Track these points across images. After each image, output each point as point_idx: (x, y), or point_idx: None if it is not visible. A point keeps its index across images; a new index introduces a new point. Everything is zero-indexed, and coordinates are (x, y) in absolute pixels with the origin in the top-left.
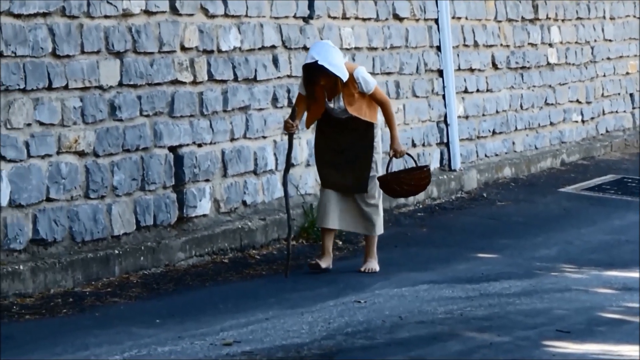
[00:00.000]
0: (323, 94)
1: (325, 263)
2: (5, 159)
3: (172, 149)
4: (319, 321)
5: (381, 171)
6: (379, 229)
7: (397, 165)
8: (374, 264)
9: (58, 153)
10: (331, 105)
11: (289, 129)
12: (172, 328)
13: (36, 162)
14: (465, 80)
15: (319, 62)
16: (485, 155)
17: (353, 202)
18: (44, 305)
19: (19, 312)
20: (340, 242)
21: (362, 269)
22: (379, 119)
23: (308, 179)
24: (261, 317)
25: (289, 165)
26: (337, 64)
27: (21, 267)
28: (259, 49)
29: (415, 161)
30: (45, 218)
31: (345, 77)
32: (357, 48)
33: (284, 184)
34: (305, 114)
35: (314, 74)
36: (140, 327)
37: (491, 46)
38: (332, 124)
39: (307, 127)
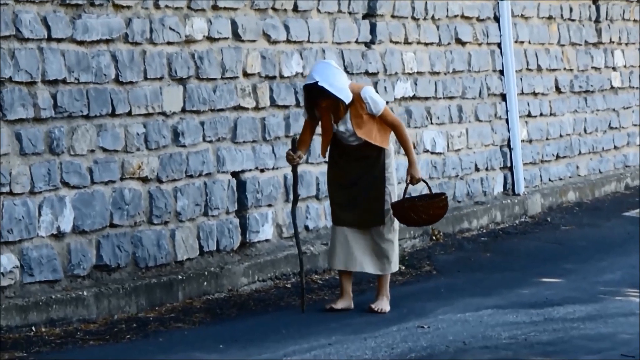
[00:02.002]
0: (329, 117)
1: (342, 304)
2: (69, 185)
3: (235, 174)
4: (382, 346)
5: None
6: (395, 266)
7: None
8: (385, 304)
9: (121, 179)
10: (339, 128)
11: (291, 162)
12: (235, 353)
13: (99, 188)
14: (528, 104)
15: (319, 83)
16: (549, 180)
17: (368, 238)
18: (107, 331)
19: (83, 337)
20: (403, 267)
21: (373, 307)
22: (392, 147)
23: None
24: (324, 342)
25: (296, 198)
26: (339, 86)
27: (85, 292)
28: None
29: (429, 189)
30: (109, 244)
31: (347, 99)
32: (419, 73)
33: (293, 218)
34: (318, 140)
35: (314, 95)
36: (204, 352)
37: (554, 70)
38: (343, 152)
39: (323, 155)
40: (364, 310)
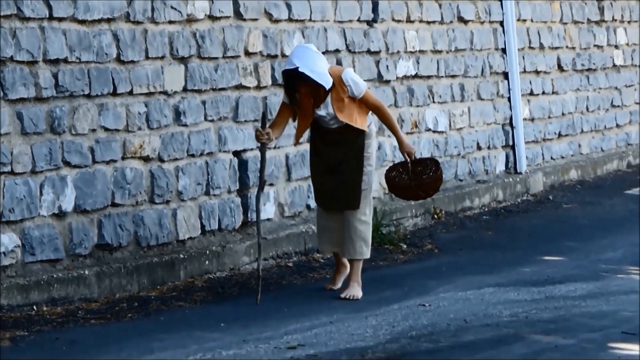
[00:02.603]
0: (309, 102)
1: (340, 283)
2: (70, 164)
3: (237, 153)
4: (383, 325)
5: (374, 184)
6: (368, 251)
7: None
8: (357, 290)
9: (123, 158)
10: (320, 112)
11: (259, 139)
12: (237, 332)
13: (101, 168)
14: (530, 82)
15: (300, 69)
16: (552, 158)
17: (345, 221)
18: (109, 310)
19: (85, 316)
20: (405, 246)
21: (343, 295)
22: (373, 128)
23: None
24: (325, 321)
25: (262, 181)
26: (320, 71)
27: (87, 272)
28: (323, 52)
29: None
30: (111, 223)
31: (328, 84)
32: (421, 51)
33: (256, 202)
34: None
35: (294, 81)
36: (205, 330)
37: (557, 48)
38: (323, 137)
39: (297, 141)
40: (364, 289)
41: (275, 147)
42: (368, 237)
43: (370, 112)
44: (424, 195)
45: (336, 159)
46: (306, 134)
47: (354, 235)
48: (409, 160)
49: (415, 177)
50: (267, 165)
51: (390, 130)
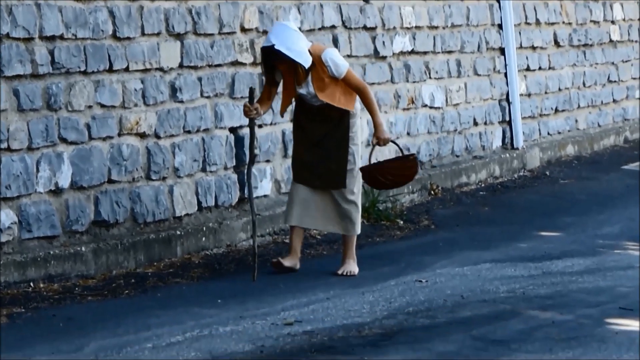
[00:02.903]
0: (291, 77)
1: (289, 262)
2: (67, 141)
3: (233, 130)
4: (380, 300)
5: (360, 163)
6: (358, 228)
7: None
8: (353, 266)
9: (119, 135)
10: (301, 90)
11: (248, 114)
12: (234, 308)
13: (97, 144)
14: (527, 58)
15: (276, 47)
16: (548, 134)
17: (330, 199)
18: (106, 287)
19: (82, 293)
20: (402, 222)
21: (340, 272)
22: (357, 107)
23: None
24: (322, 297)
25: (252, 156)
26: (297, 49)
27: (83, 248)
28: (319, 29)
29: (400, 149)
30: (107, 200)
31: (306, 63)
32: (417, 27)
33: (248, 178)
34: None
35: (271, 58)
36: (202, 307)
37: (553, 24)
38: (307, 112)
39: (281, 114)
40: (361, 265)
41: (271, 124)
42: (357, 216)
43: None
44: (383, 180)
45: (320, 135)
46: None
47: (345, 213)
48: (375, 143)
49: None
50: (263, 141)
51: (369, 112)
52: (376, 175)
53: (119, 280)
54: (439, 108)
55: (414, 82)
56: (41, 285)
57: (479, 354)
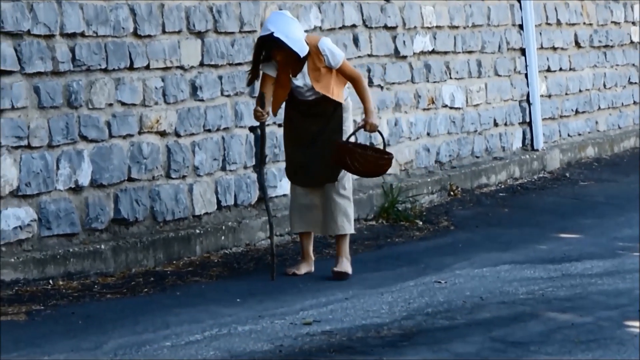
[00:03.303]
0: (287, 72)
1: (304, 269)
2: (87, 139)
3: (253, 129)
4: (399, 301)
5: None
6: (352, 227)
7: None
8: (347, 266)
9: (139, 133)
10: (297, 83)
11: (259, 118)
12: (253, 307)
13: (117, 142)
14: (547, 59)
15: (275, 34)
16: (568, 135)
17: (326, 196)
18: (125, 285)
19: (101, 291)
20: (421, 223)
21: (335, 270)
22: (349, 101)
23: None
24: (341, 297)
25: (263, 158)
26: (295, 37)
27: (103, 246)
28: (340, 28)
29: (384, 142)
30: (127, 198)
31: (303, 52)
32: (438, 27)
33: (260, 180)
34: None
35: (269, 47)
36: (221, 306)
37: (574, 24)
38: (299, 109)
39: (274, 114)
40: (381, 265)
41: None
42: (350, 212)
43: (347, 85)
44: (349, 163)
45: (313, 132)
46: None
47: (335, 210)
48: (361, 126)
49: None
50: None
51: (361, 100)
52: (345, 156)
53: (138, 278)
54: (459, 108)
55: (434, 82)
56: (60, 282)
57: (498, 355)
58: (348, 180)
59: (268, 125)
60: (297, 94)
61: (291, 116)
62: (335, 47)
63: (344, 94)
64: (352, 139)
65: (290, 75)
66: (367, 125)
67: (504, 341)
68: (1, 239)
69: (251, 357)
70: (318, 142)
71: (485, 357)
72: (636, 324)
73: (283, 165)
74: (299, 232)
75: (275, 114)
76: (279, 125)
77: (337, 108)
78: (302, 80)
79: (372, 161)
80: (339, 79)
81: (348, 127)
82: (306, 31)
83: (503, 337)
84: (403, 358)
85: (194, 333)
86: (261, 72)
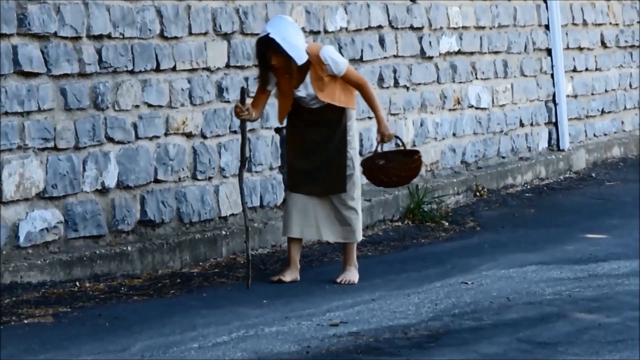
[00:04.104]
0: (287, 82)
1: (290, 276)
2: (114, 140)
3: (278, 130)
4: (426, 302)
5: (357, 166)
6: (359, 235)
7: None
8: (353, 274)
9: (166, 134)
10: (299, 94)
11: (239, 115)
12: (279, 308)
13: (144, 144)
14: (574, 59)
15: (271, 35)
16: (594, 135)
17: (329, 206)
18: (151, 286)
19: (127, 293)
20: (447, 224)
21: (339, 280)
22: (354, 110)
23: None
24: (367, 298)
25: (244, 158)
26: (293, 43)
27: (129, 248)
28: (366, 29)
29: (403, 144)
30: (153, 199)
31: (300, 59)
32: (464, 27)
33: (240, 182)
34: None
35: (264, 49)
36: (248, 307)
37: (600, 25)
38: (303, 116)
39: (280, 121)
40: (407, 266)
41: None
42: (360, 220)
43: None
44: (386, 180)
45: (316, 140)
46: None
47: (345, 220)
48: (379, 140)
49: (388, 161)
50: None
51: (371, 108)
52: (379, 174)
53: (164, 280)
54: (485, 109)
55: (460, 82)
56: (87, 284)
57: (525, 356)
58: (357, 189)
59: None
60: (301, 102)
61: (294, 124)
62: (338, 55)
63: (354, 99)
64: (377, 151)
65: (293, 87)
66: (385, 137)
67: (531, 342)
68: (28, 240)
69: (278, 359)
70: (324, 152)
71: (513, 358)
72: None
73: None
74: (293, 237)
75: (281, 123)
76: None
77: (341, 116)
78: (304, 91)
79: (407, 169)
80: (347, 86)
81: (352, 137)
82: (331, 32)
83: (530, 338)
84: (430, 359)
85: (221, 334)
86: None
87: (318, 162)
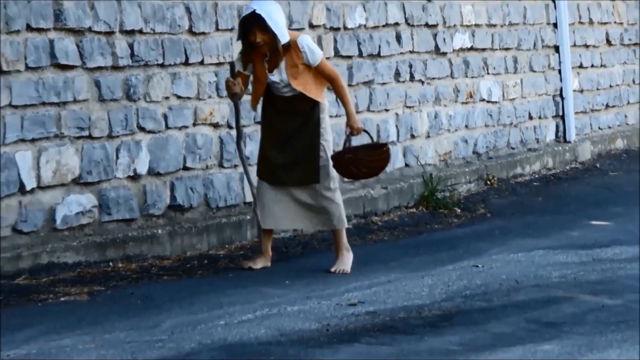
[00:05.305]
0: (262, 65)
1: (261, 263)
2: (145, 130)
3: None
4: (439, 284)
5: (429, 152)
6: (342, 222)
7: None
8: (346, 263)
9: (194, 125)
10: (273, 78)
11: (230, 88)
12: (301, 289)
13: (173, 133)
14: (580, 55)
15: (257, 11)
16: (599, 128)
17: (304, 197)
18: (180, 267)
19: (158, 273)
20: (459, 210)
21: (333, 270)
22: (325, 102)
23: (428, 150)
24: (384, 280)
25: (239, 131)
26: (277, 20)
27: (160, 231)
28: (383, 26)
29: (371, 138)
30: (182, 186)
31: (283, 38)
32: (477, 25)
33: (240, 154)
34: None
35: (250, 26)
36: (270, 287)
37: (605, 23)
38: (276, 105)
39: (253, 108)
40: (420, 250)
41: (336, 116)
42: (340, 207)
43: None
44: (356, 172)
45: (288, 130)
46: None
47: (322, 209)
48: (350, 134)
49: (352, 152)
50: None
51: (341, 102)
52: (350, 167)
53: (192, 261)
54: (496, 102)
55: (472, 77)
56: (120, 265)
57: (532, 335)
58: (333, 180)
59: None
60: (274, 90)
61: (267, 112)
62: (315, 45)
63: (323, 94)
64: (346, 145)
65: (267, 70)
66: (354, 131)
67: (538, 322)
68: (65, 223)
69: (300, 336)
70: (296, 142)
71: (521, 337)
72: None
73: None
74: (268, 228)
75: (254, 109)
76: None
77: (314, 108)
78: (278, 75)
79: (376, 160)
80: (319, 80)
81: (325, 129)
82: (350, 29)
83: (537, 318)
84: (443, 338)
85: (246, 313)
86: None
87: (290, 153)
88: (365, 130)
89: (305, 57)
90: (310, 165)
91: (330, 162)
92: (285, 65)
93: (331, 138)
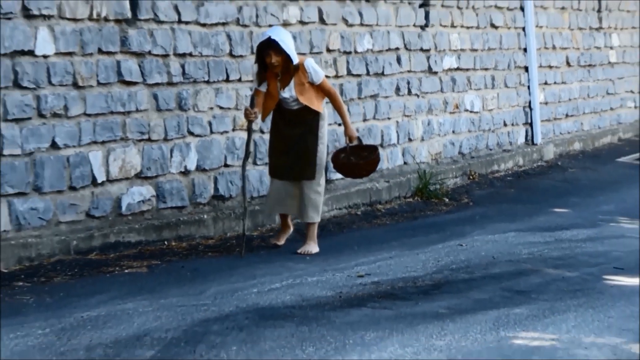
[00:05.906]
0: (275, 85)
1: (282, 239)
2: (193, 134)
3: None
4: (431, 259)
5: (324, 159)
6: (319, 216)
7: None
8: (312, 247)
9: (233, 130)
10: (284, 94)
11: (248, 117)
12: (319, 264)
13: (216, 137)
14: (545, 74)
15: (272, 37)
16: (560, 133)
17: (299, 190)
18: (222, 246)
19: (204, 250)
20: (447, 200)
21: (300, 251)
22: (326, 111)
23: (422, 151)
24: (386, 256)
25: (247, 151)
26: (289, 46)
27: (205, 216)
28: (386, 50)
29: (360, 141)
30: (224, 179)
31: (295, 59)
32: (462, 49)
33: (242, 170)
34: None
35: (266, 49)
36: (294, 262)
37: (565, 48)
38: (285, 116)
39: (263, 120)
40: (417, 232)
41: (333, 124)
42: (319, 205)
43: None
44: (358, 173)
45: (294, 136)
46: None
47: (308, 203)
48: (349, 142)
49: (357, 158)
50: (342, 137)
51: (339, 115)
52: (354, 171)
53: (232, 240)
54: (477, 112)
55: (458, 92)
56: (173, 243)
57: (506, 301)
58: (323, 177)
59: (330, 124)
60: (283, 104)
61: (277, 122)
62: (318, 67)
63: (323, 105)
64: (342, 152)
65: (279, 88)
66: (352, 139)
67: (510, 290)
68: (128, 210)
69: (318, 301)
70: (299, 146)
71: (497, 302)
72: (612, 277)
73: None
74: (278, 213)
75: (263, 120)
76: (339, 125)
77: (315, 117)
78: (288, 92)
79: (372, 163)
80: (319, 94)
81: (322, 133)
82: (360, 52)
83: (510, 287)
84: (433, 303)
85: (274, 282)
86: (254, 88)
87: (294, 154)
88: (358, 138)
89: (310, 77)
90: (308, 165)
91: (325, 162)
92: (294, 84)
93: (326, 141)
